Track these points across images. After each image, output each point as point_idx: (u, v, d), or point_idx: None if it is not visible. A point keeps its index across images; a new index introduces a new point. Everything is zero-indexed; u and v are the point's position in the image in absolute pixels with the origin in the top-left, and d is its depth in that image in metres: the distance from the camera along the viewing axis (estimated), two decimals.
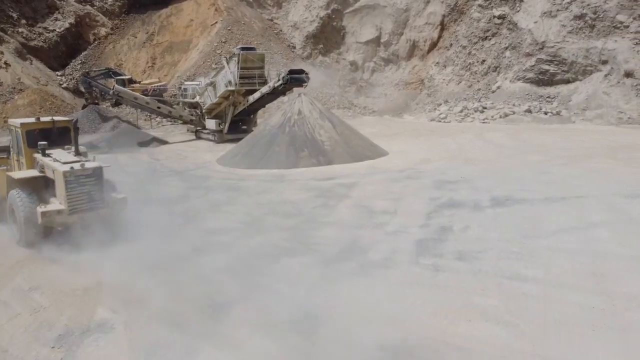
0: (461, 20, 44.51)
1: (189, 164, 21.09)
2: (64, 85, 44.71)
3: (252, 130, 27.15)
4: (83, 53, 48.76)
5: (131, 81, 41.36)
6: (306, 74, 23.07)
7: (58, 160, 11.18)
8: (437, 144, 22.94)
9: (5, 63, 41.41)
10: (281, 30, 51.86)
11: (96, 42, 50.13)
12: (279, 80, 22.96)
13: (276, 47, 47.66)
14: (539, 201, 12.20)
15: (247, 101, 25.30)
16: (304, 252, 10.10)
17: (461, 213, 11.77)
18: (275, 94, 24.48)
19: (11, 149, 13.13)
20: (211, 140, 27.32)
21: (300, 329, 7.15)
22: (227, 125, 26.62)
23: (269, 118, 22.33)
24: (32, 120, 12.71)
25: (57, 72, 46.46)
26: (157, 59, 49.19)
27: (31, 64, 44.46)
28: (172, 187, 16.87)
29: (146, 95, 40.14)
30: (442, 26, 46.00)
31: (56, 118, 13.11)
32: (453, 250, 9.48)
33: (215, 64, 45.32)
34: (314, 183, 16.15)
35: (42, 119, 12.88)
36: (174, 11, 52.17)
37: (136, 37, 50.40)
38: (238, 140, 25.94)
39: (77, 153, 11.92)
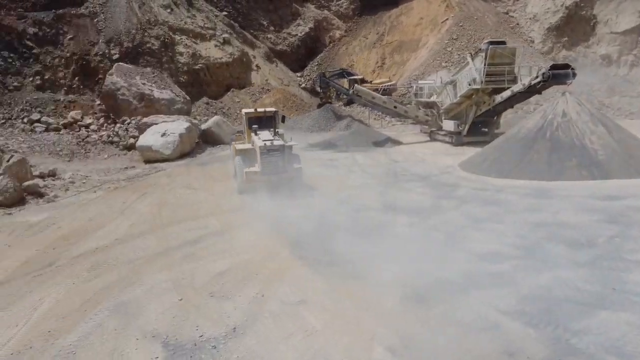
0: None
1: (431, 168, 19.52)
2: (302, 85, 47.54)
3: (495, 133, 24.48)
4: (319, 55, 51.31)
5: (363, 81, 41.82)
6: (572, 69, 19.42)
7: (260, 138, 15.91)
8: None
9: (257, 66, 45.61)
10: (517, 24, 47.19)
11: (331, 44, 52.32)
12: (537, 77, 19.82)
13: (511, 42, 43.44)
14: None
15: (493, 101, 22.65)
16: (625, 305, 7.52)
17: None
18: (529, 92, 21.39)
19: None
20: (447, 143, 25.40)
21: None
22: (467, 126, 24.35)
23: (524, 120, 19.38)
24: (251, 110, 18.60)
25: (297, 74, 49.71)
26: (387, 59, 49.09)
27: (276, 66, 48.27)
28: (419, 194, 15.46)
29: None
30: None
31: (267, 109, 18.19)
32: None
33: (445, 62, 43.23)
34: (595, 203, 13.02)
35: (258, 109, 18.38)
36: (404, 10, 51.48)
37: (367, 38, 51.11)
38: (477, 143, 23.55)
39: (275, 134, 16.76)
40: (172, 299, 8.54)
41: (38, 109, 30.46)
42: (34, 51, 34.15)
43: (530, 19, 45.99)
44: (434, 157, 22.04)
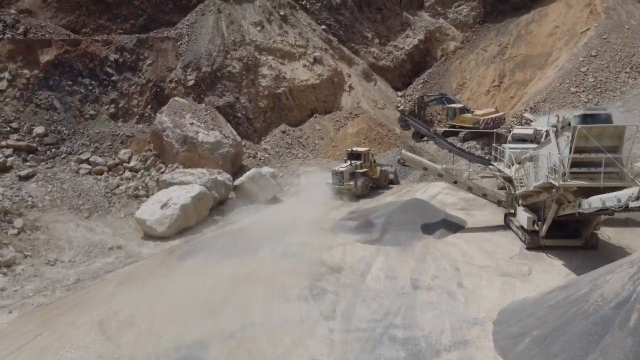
0: None
1: (448, 323, 12.43)
2: (401, 107, 40.70)
3: (593, 236, 16.11)
4: (427, 71, 43.73)
5: (463, 110, 33.98)
6: None
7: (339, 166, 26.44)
8: None
9: (350, 86, 40.00)
10: None
11: (442, 58, 44.28)
12: (637, 197, 11.51)
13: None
14: None
15: (579, 206, 14.35)
16: None
17: None
18: (631, 210, 12.89)
19: None
20: (520, 240, 17.50)
21: None
22: (545, 227, 16.25)
23: (602, 282, 11.21)
24: (350, 149, 27.48)
25: (398, 93, 43.00)
26: (506, 77, 39.82)
27: (375, 84, 42.08)
28: None
29: (477, 129, 32.16)
30: None
31: (358, 149, 27.36)
32: None
33: (576, 86, 33.21)
34: None
35: (353, 149, 27.47)
36: (536, 17, 41.36)
37: (486, 51, 42.06)
38: (563, 249, 15.61)
39: (350, 165, 25.97)
40: None
41: (95, 145, 28.96)
42: (113, 78, 32.98)
43: None
44: (481, 281, 14.66)
